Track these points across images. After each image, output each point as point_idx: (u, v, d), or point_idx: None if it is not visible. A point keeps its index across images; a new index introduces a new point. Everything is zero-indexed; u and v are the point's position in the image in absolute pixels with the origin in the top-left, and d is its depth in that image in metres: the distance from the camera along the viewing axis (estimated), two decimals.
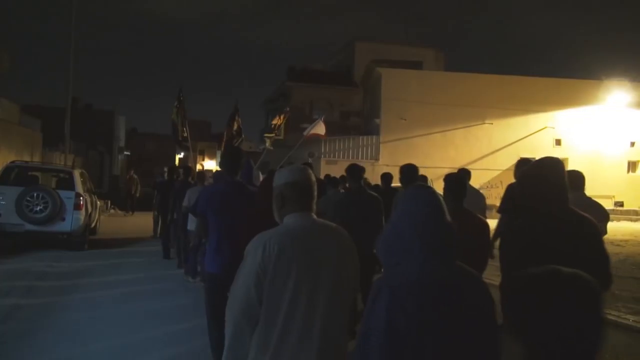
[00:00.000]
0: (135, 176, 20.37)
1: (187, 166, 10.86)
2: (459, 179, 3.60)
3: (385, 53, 33.14)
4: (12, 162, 10.81)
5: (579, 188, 3.52)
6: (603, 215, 3.82)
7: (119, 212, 20.07)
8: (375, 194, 5.44)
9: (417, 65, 31.02)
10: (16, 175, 10.11)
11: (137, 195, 19.72)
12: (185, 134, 12.62)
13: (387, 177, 8.00)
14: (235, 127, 12.79)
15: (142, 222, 15.44)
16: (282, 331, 1.99)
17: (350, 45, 37.57)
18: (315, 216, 2.19)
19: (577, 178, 3.93)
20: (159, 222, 11.37)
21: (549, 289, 1.24)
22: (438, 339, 1.52)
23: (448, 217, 1.73)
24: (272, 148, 13.82)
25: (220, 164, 4.75)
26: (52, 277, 7.78)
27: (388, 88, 24.97)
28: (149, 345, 4.96)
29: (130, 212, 19.15)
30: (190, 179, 9.36)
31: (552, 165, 2.60)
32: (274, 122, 14.07)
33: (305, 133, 14.00)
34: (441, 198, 1.80)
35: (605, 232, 3.78)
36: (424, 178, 7.72)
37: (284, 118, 13.66)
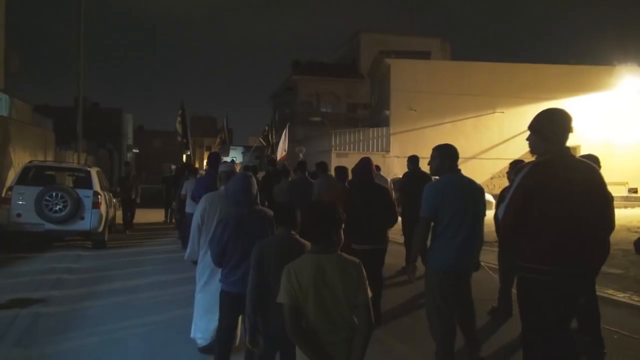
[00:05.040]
0: (135, 173, 15.05)
1: (183, 164, 14.10)
2: (341, 171, 7.07)
3: (391, 44, 32.92)
4: (30, 162, 10.80)
5: (456, 171, 4.31)
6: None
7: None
8: (312, 181, 7.49)
9: (424, 55, 30.79)
10: (34, 175, 10.10)
11: (138, 201, 13.92)
12: (185, 140, 15.31)
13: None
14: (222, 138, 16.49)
15: (153, 217, 15.49)
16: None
17: (355, 36, 37.33)
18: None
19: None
20: (168, 210, 15.12)
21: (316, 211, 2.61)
22: (241, 240, 3.45)
23: (252, 189, 3.61)
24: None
25: (208, 162, 7.38)
26: (77, 273, 7.76)
27: (397, 79, 24.80)
28: (176, 326, 5.07)
29: (127, 231, 13.06)
30: (186, 173, 11.10)
31: (361, 163, 5.55)
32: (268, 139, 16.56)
33: (278, 154, 15.92)
34: (251, 180, 3.64)
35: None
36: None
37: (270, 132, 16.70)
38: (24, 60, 19.42)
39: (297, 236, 3.03)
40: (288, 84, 37.80)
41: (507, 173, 5.48)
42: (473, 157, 23.51)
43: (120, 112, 34.76)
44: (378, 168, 8.58)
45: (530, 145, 3.13)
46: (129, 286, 7.10)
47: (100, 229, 10.07)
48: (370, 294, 2.48)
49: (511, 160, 6.32)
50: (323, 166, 7.59)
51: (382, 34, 36.08)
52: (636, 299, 6.28)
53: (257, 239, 3.14)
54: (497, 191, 7.67)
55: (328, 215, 2.49)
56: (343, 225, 2.53)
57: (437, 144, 4.31)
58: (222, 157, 9.18)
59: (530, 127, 3.12)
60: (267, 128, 16.64)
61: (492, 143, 24.61)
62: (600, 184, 3.01)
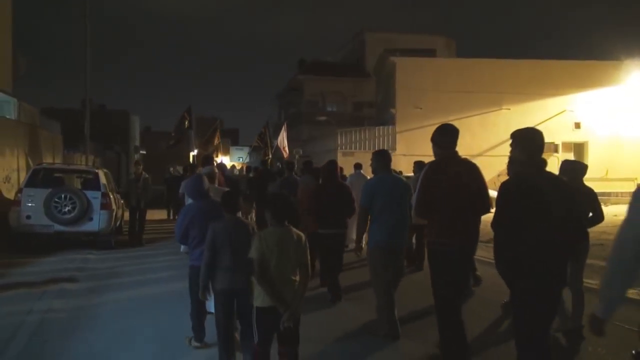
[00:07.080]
0: (147, 175, 11.77)
1: (188, 164, 15.15)
2: (314, 168, 8.18)
3: (395, 42, 32.82)
4: (39, 164, 10.91)
5: (389, 171, 5.45)
6: (410, 188, 5.47)
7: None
8: (296, 178, 9.26)
9: (430, 53, 30.68)
10: (43, 177, 10.20)
11: (142, 206, 11.49)
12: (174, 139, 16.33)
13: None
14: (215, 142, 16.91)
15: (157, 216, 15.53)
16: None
17: (360, 35, 37.29)
18: (216, 186, 5.96)
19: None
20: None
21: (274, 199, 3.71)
22: (200, 225, 4.28)
23: (202, 186, 4.57)
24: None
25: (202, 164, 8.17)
26: (84, 278, 7.81)
27: (403, 77, 24.74)
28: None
29: (139, 243, 11.21)
30: (187, 172, 12.05)
31: (326, 166, 7.07)
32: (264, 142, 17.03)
33: (280, 145, 16.44)
34: (201, 178, 4.71)
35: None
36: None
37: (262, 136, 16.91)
38: (30, 63, 19.55)
39: (241, 217, 4.04)
40: (293, 84, 37.83)
41: (413, 172, 6.74)
42: (480, 155, 23.39)
43: (126, 114, 34.91)
44: (342, 169, 9.96)
45: (433, 152, 4.16)
46: (138, 283, 7.25)
47: (109, 230, 10.15)
48: (309, 258, 3.59)
49: None
50: (308, 165, 9.19)
51: (387, 32, 36.00)
52: None
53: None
54: None
55: (285, 206, 3.56)
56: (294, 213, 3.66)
57: None
58: (213, 158, 10.17)
59: (431, 139, 4.17)
60: (263, 129, 16.70)
61: (499, 140, 24.42)
62: (477, 177, 4.05)
